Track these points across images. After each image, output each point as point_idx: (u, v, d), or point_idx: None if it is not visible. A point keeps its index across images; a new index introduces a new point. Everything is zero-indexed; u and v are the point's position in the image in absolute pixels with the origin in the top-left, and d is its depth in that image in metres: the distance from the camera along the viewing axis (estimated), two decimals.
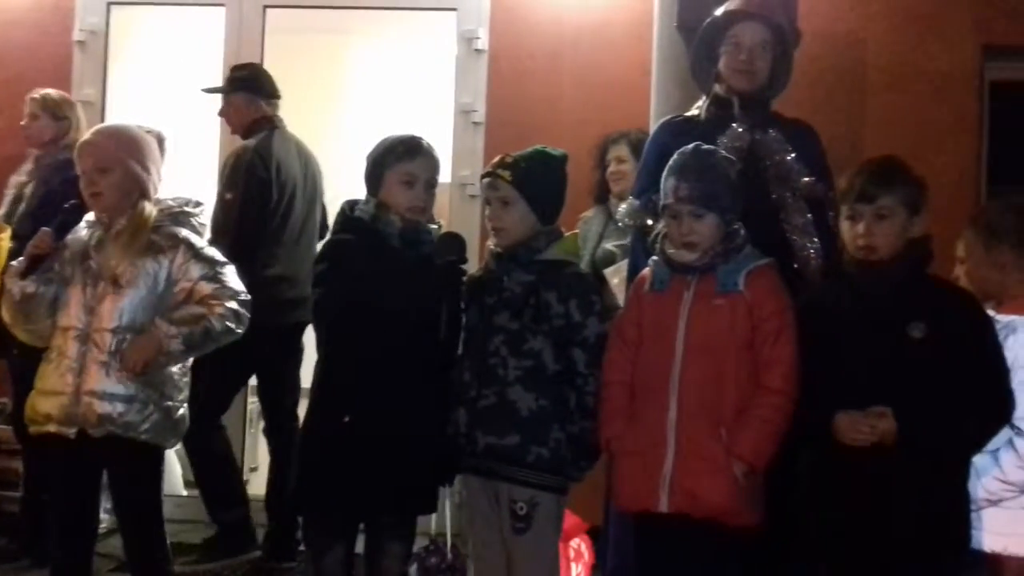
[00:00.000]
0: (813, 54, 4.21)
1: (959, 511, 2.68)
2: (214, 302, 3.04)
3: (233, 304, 3.06)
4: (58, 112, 4.25)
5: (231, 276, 3.12)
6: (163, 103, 5.49)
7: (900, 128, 4.55)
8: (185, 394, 3.15)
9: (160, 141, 3.31)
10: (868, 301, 2.69)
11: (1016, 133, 4.88)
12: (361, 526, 3.03)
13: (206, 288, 3.06)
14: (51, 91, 4.32)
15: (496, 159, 2.97)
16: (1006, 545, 2.70)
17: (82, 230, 3.16)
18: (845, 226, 2.74)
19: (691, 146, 2.86)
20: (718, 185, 2.77)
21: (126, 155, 3.12)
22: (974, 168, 4.65)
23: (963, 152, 4.61)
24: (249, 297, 3.13)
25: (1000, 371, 2.65)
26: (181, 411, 3.12)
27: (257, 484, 5.31)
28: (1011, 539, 2.69)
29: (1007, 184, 4.81)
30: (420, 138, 3.00)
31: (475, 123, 4.84)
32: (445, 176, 4.73)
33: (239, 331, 3.10)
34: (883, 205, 2.68)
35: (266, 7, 5.00)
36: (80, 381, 2.99)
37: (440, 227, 3.04)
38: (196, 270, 3.07)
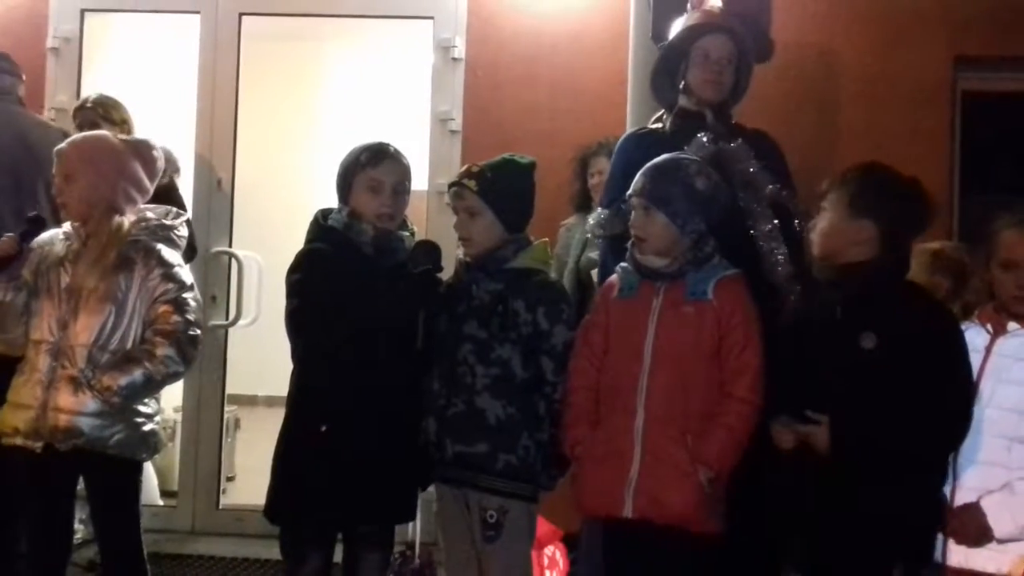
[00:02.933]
0: (786, 64, 4.24)
1: (918, 522, 2.66)
2: (159, 340, 3.02)
3: (181, 343, 3.03)
4: (114, 117, 4.19)
5: (191, 303, 3.09)
6: (138, 110, 5.46)
7: (872, 138, 4.58)
8: (154, 409, 3.14)
9: (144, 151, 3.19)
10: (833, 309, 2.70)
11: (988, 143, 4.93)
12: (339, 536, 3.02)
13: (162, 315, 3.03)
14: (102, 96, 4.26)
15: (463, 169, 2.98)
16: (967, 557, 2.67)
17: (58, 242, 3.14)
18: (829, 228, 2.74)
19: (672, 153, 2.89)
20: (673, 188, 2.79)
21: (90, 165, 3.09)
22: (946, 178, 4.69)
23: (935, 162, 4.64)
24: (199, 332, 3.11)
25: (952, 384, 2.62)
26: (150, 426, 3.10)
27: (233, 494, 5.30)
28: (971, 554, 2.66)
29: (979, 193, 4.86)
30: (387, 144, 3.00)
31: (452, 131, 4.85)
32: (422, 184, 4.76)
33: (184, 371, 3.10)
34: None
35: (242, 14, 4.98)
36: (48, 396, 2.98)
37: (413, 233, 3.03)
38: (161, 290, 3.05)
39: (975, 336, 2.72)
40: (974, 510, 2.62)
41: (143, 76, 5.78)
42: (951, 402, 2.61)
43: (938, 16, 4.68)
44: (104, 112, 4.21)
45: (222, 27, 4.96)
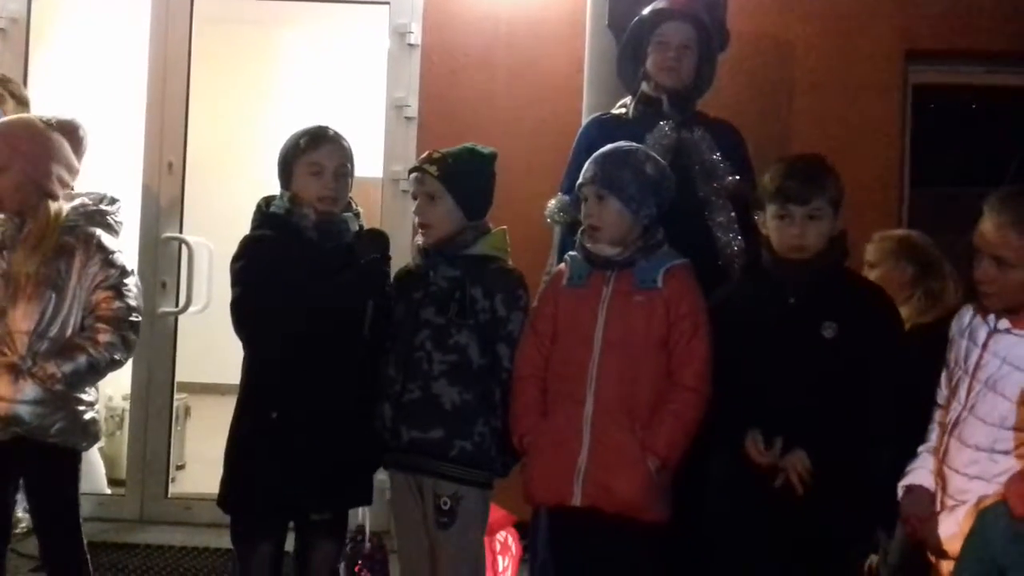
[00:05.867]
0: (741, 55, 4.27)
1: (864, 503, 2.72)
2: (101, 327, 2.98)
3: (122, 329, 3.00)
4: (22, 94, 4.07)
5: (132, 289, 3.06)
6: (86, 92, 5.37)
7: (825, 129, 4.62)
8: (94, 397, 3.10)
9: (73, 131, 3.14)
10: (783, 299, 2.74)
11: (938, 136, 5.00)
12: (291, 524, 3.00)
13: (103, 301, 2.99)
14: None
15: (424, 154, 2.97)
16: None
17: None
18: (773, 225, 2.77)
19: (617, 143, 2.89)
20: (625, 172, 2.80)
21: (19, 155, 3.01)
22: (896, 170, 4.75)
23: (886, 154, 4.71)
24: (140, 318, 3.09)
25: (902, 367, 2.69)
26: (90, 414, 3.06)
27: (182, 482, 5.25)
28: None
29: (927, 186, 4.93)
30: (326, 128, 2.98)
31: (407, 118, 4.81)
32: (377, 171, 4.74)
33: (125, 359, 3.07)
34: (816, 207, 2.73)
35: None
36: None
37: (357, 215, 3.01)
38: (102, 276, 3.01)
39: (978, 327, 2.63)
40: (919, 491, 2.65)
41: (92, 57, 5.67)
42: (901, 378, 2.67)
43: (890, 9, 4.74)
44: (14, 89, 4.09)
45: (174, 8, 4.87)
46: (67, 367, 2.93)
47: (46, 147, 3.06)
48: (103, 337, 2.97)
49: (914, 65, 4.82)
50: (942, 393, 2.70)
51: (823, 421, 2.64)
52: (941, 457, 2.63)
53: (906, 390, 2.68)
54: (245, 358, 2.94)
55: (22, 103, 4.08)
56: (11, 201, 3.02)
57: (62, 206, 3.04)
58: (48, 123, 3.11)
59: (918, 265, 3.35)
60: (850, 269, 2.90)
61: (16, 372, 2.93)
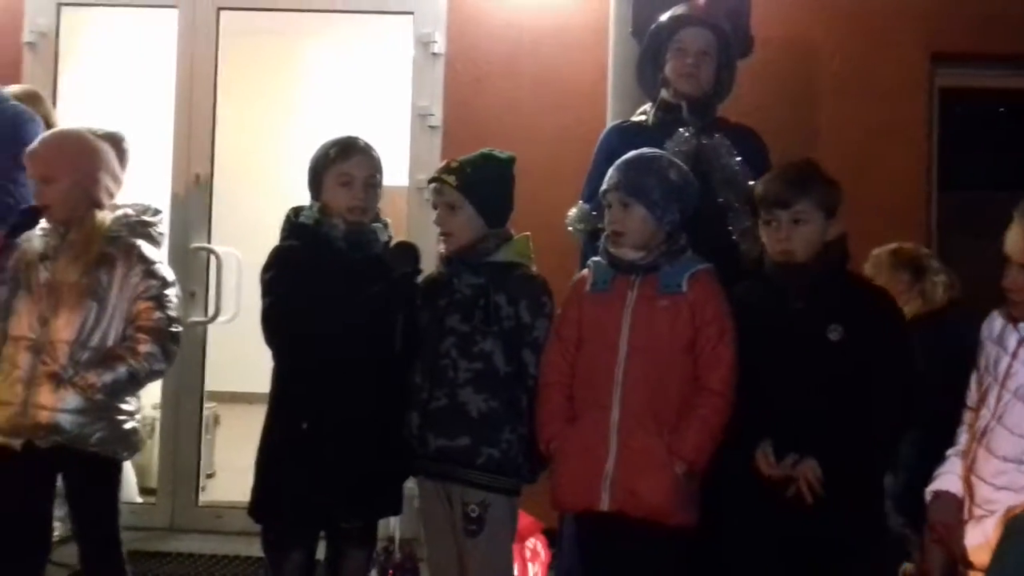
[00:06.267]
0: (766, 60, 4.25)
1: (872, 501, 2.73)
2: (142, 337, 3.01)
3: (163, 339, 3.03)
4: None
5: (173, 300, 3.09)
6: (115, 105, 5.43)
7: (851, 133, 4.61)
8: (135, 406, 3.12)
9: (118, 143, 3.20)
10: (787, 304, 2.75)
11: (964, 140, 4.97)
12: (322, 532, 3.01)
13: (144, 312, 3.02)
14: (10, 88, 4.19)
15: (442, 164, 2.98)
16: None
17: (37, 237, 3.11)
18: (763, 231, 2.80)
19: (641, 149, 2.90)
20: (649, 178, 2.80)
21: (70, 166, 3.06)
22: (923, 173, 4.72)
23: (913, 157, 4.68)
24: (180, 329, 3.11)
25: (908, 368, 2.69)
26: (131, 424, 3.09)
27: (212, 491, 5.28)
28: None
29: (956, 189, 4.90)
30: (356, 138, 3.00)
31: (432, 127, 4.83)
32: (402, 180, 4.76)
33: (165, 369, 3.10)
34: (799, 210, 2.73)
35: (220, 9, 4.95)
36: (29, 393, 2.96)
37: (386, 225, 3.03)
38: (143, 287, 3.04)
39: (1008, 335, 2.60)
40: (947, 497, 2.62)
41: (120, 71, 5.74)
42: (908, 385, 2.67)
43: (915, 13, 4.72)
44: (40, 110, 4.10)
45: (200, 22, 4.93)
46: (107, 377, 2.96)
47: (95, 157, 3.11)
48: (143, 347, 3.00)
49: (940, 68, 4.79)
50: (971, 395, 2.68)
51: (831, 424, 2.63)
52: (969, 464, 2.61)
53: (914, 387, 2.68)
54: (275, 367, 2.96)
55: (48, 125, 4.12)
56: (61, 211, 3.06)
57: (106, 216, 3.08)
58: (101, 136, 3.17)
59: (911, 271, 3.49)
60: (853, 272, 2.90)
61: (57, 381, 2.96)
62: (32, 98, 4.12)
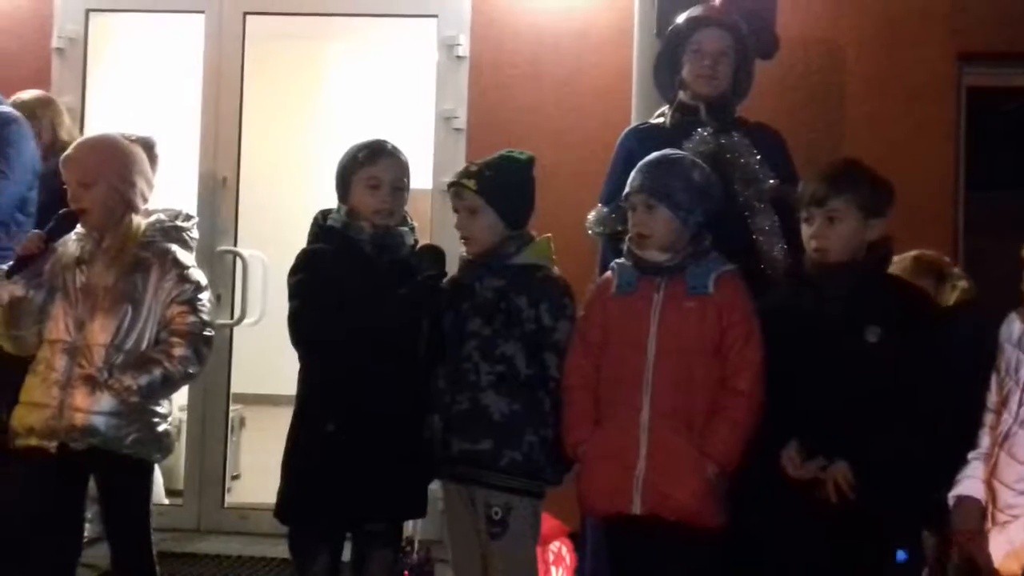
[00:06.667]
0: (791, 61, 4.24)
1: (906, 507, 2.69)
2: (176, 340, 3.03)
3: (196, 343, 3.05)
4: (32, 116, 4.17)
5: (206, 304, 3.12)
6: (143, 110, 5.47)
7: (877, 134, 4.58)
8: (168, 409, 3.15)
9: (150, 147, 3.24)
10: (824, 304, 2.72)
11: (993, 139, 4.93)
12: (348, 534, 3.02)
13: (178, 316, 3.05)
14: (22, 94, 4.21)
15: (461, 168, 2.98)
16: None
17: (72, 242, 3.14)
18: (803, 229, 2.78)
19: (663, 150, 2.89)
20: (674, 181, 2.79)
21: (108, 169, 3.09)
22: (951, 174, 4.68)
23: (940, 158, 4.64)
24: (213, 333, 3.14)
25: (940, 373, 2.65)
26: (164, 426, 3.11)
27: (238, 492, 5.31)
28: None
29: (984, 190, 4.86)
30: (384, 141, 3.00)
31: (456, 130, 4.84)
32: (427, 183, 4.77)
33: (199, 372, 3.12)
34: (833, 208, 2.71)
35: (246, 14, 4.98)
36: (65, 395, 2.98)
37: (413, 229, 3.03)
38: (176, 291, 3.07)
39: None
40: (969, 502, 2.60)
41: (148, 76, 5.79)
42: (938, 389, 2.63)
43: (942, 12, 4.68)
44: (60, 132, 4.10)
45: (226, 26, 4.96)
46: (142, 380, 2.98)
47: (131, 161, 3.14)
48: (178, 351, 3.03)
49: (967, 68, 4.75)
50: (992, 398, 2.66)
51: (866, 424, 2.61)
52: (991, 468, 2.58)
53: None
54: (301, 370, 2.97)
55: (54, 131, 4.14)
56: (98, 215, 3.09)
57: (141, 221, 3.11)
58: (134, 141, 3.20)
59: (933, 277, 3.44)
60: (893, 275, 2.87)
61: (93, 384, 2.99)
62: (42, 103, 4.17)
